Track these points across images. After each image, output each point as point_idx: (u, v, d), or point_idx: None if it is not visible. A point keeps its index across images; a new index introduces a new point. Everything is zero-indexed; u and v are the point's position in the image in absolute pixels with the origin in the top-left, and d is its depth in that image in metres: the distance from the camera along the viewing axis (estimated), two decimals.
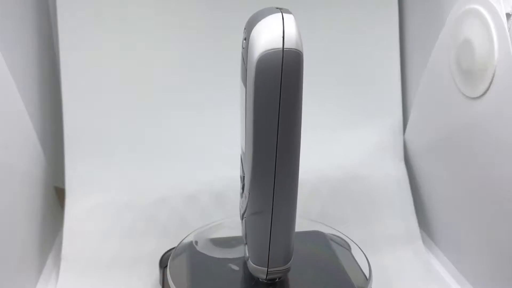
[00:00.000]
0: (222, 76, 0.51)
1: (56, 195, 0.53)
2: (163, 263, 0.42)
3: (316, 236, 0.43)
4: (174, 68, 0.53)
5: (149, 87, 0.52)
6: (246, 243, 0.34)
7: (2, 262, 0.36)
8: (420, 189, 0.52)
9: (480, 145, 0.39)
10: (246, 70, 0.28)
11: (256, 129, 0.28)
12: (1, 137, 0.37)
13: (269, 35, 0.27)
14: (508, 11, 0.35)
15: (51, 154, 0.51)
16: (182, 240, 0.41)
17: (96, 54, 0.51)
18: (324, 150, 0.52)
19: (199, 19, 0.53)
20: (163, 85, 0.53)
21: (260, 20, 0.27)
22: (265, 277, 0.33)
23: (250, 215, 0.32)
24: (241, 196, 0.34)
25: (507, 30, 0.35)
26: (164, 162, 0.52)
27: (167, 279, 0.38)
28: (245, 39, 0.28)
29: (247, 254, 0.34)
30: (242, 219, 0.34)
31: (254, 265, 0.33)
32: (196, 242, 0.39)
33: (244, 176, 0.32)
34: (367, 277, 0.38)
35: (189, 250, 0.39)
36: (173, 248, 0.41)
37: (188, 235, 0.42)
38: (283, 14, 0.27)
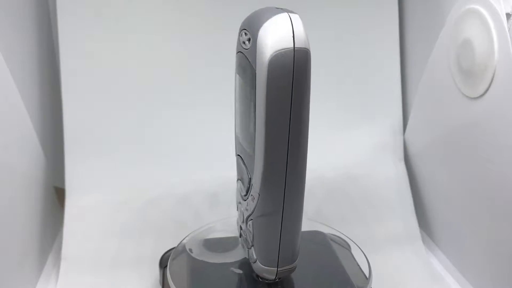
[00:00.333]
0: (222, 76, 0.51)
1: (56, 195, 0.53)
2: (163, 263, 0.42)
3: (316, 236, 0.43)
4: (174, 68, 0.53)
5: (149, 87, 0.53)
6: (253, 245, 0.33)
7: (2, 262, 0.36)
8: (420, 189, 0.52)
9: (480, 145, 0.39)
10: (252, 70, 0.28)
11: (268, 130, 0.28)
12: (1, 137, 0.37)
13: (279, 35, 0.27)
14: (508, 11, 0.35)
15: (51, 154, 0.51)
16: (182, 240, 0.41)
17: (96, 54, 0.51)
18: (324, 150, 0.52)
19: (199, 19, 0.53)
20: (163, 85, 0.53)
21: (266, 20, 0.27)
22: (274, 277, 0.33)
23: (259, 216, 0.32)
24: (242, 199, 0.33)
25: (507, 30, 0.35)
26: (164, 162, 0.52)
27: (167, 279, 0.38)
28: (248, 39, 0.28)
29: (254, 256, 0.33)
30: (245, 221, 0.33)
31: (263, 266, 0.33)
32: (191, 250, 0.39)
33: (250, 178, 0.31)
34: (367, 277, 0.38)
35: (186, 258, 0.39)
36: (173, 248, 0.41)
37: (188, 235, 0.42)
38: (289, 14, 0.27)
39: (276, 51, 0.27)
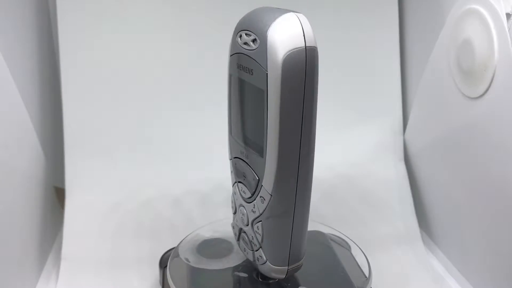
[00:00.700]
0: (223, 76, 0.51)
1: (56, 195, 0.53)
2: (163, 263, 0.42)
3: (316, 236, 0.43)
4: (174, 68, 0.53)
5: (149, 87, 0.53)
6: (261, 247, 0.33)
7: (2, 262, 0.36)
8: (420, 189, 0.52)
9: (480, 145, 0.39)
10: (261, 70, 0.28)
11: (282, 129, 0.29)
12: (1, 137, 0.37)
13: (290, 34, 0.27)
14: (508, 11, 0.35)
15: (51, 154, 0.51)
16: (182, 240, 0.41)
17: (96, 54, 0.51)
18: (324, 150, 0.52)
19: (199, 18, 0.53)
20: (164, 85, 0.53)
21: (274, 20, 0.27)
22: (284, 276, 0.34)
23: (270, 217, 0.32)
24: (245, 202, 0.33)
25: (507, 30, 0.35)
26: (164, 162, 0.52)
27: (167, 279, 0.38)
28: (253, 40, 0.28)
29: (264, 257, 0.33)
30: (250, 224, 0.33)
31: (274, 266, 0.33)
32: (187, 259, 0.38)
33: (258, 180, 0.31)
34: (367, 277, 0.38)
35: (184, 268, 0.38)
36: (173, 248, 0.41)
37: (188, 235, 0.42)
38: (296, 13, 0.28)
39: (289, 51, 0.27)
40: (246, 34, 0.29)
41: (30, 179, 0.44)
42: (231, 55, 0.31)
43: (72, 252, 0.45)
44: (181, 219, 0.49)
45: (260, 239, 0.33)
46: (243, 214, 0.34)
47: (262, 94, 0.28)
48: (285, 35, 0.27)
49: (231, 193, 0.36)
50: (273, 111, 0.28)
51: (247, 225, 0.34)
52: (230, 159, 0.34)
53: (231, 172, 0.35)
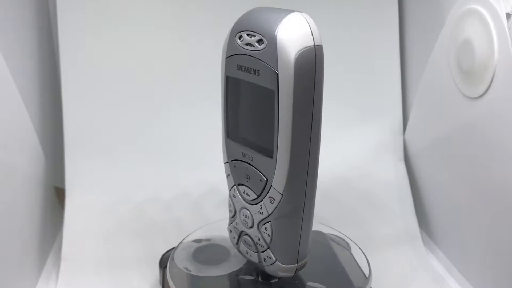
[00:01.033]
0: None
1: (56, 195, 0.53)
2: (163, 263, 0.42)
3: (316, 236, 0.43)
4: (174, 68, 0.53)
5: (149, 87, 0.53)
6: (269, 247, 0.33)
7: (2, 262, 0.36)
8: (420, 189, 0.52)
9: (480, 145, 0.39)
10: (270, 71, 0.28)
11: (294, 128, 0.29)
12: (1, 137, 0.37)
13: (300, 33, 0.28)
14: (508, 11, 0.35)
15: (51, 154, 0.51)
16: (182, 240, 0.41)
17: (96, 54, 0.51)
18: (324, 150, 0.52)
19: (199, 18, 0.53)
20: (164, 85, 0.53)
21: (281, 20, 0.27)
22: (293, 274, 0.34)
23: (280, 217, 0.32)
24: (249, 204, 0.33)
25: (507, 30, 0.35)
26: (164, 162, 0.52)
27: (167, 279, 0.38)
28: (258, 41, 0.28)
29: (273, 257, 0.33)
30: (256, 226, 0.33)
31: (284, 265, 0.33)
32: (187, 268, 0.38)
33: (266, 180, 0.31)
34: (367, 277, 0.38)
35: (185, 278, 0.37)
36: (173, 248, 0.41)
37: (188, 235, 0.42)
38: (301, 13, 0.28)
39: (300, 50, 0.27)
40: (248, 35, 0.29)
41: (30, 179, 0.44)
42: (227, 57, 0.31)
43: (72, 252, 0.45)
44: (182, 219, 0.49)
45: (268, 240, 0.33)
46: (246, 217, 0.34)
47: (271, 95, 0.28)
48: (294, 34, 0.27)
49: (228, 196, 0.35)
50: (285, 111, 0.28)
51: (251, 227, 0.34)
52: (226, 162, 0.34)
53: (228, 175, 0.34)
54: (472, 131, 0.40)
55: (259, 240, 0.33)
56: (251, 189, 0.32)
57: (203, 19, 0.52)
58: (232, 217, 0.35)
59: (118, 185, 0.50)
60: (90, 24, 0.51)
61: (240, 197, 0.34)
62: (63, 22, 0.50)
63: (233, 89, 0.32)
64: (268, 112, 0.29)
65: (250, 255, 0.35)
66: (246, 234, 0.35)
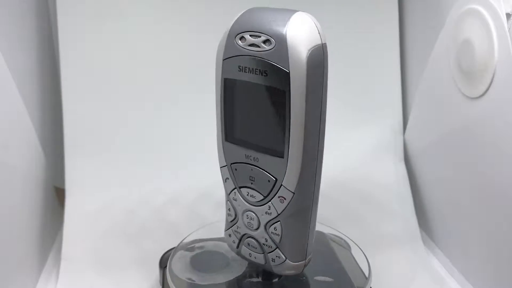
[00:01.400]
0: None
1: (56, 195, 0.53)
2: (163, 263, 0.42)
3: (316, 236, 0.42)
4: (174, 68, 0.53)
5: (149, 87, 0.53)
6: (277, 247, 0.33)
7: (2, 262, 0.36)
8: (420, 189, 0.52)
9: (480, 145, 0.39)
10: (279, 70, 0.28)
11: (307, 126, 0.29)
12: (1, 137, 0.37)
13: (309, 32, 0.28)
14: (508, 11, 0.35)
15: (51, 154, 0.51)
16: (182, 240, 0.41)
17: (96, 54, 0.51)
18: (324, 150, 0.52)
19: (200, 18, 0.53)
20: (164, 85, 0.53)
21: (288, 20, 0.28)
22: (301, 270, 0.34)
23: (290, 215, 0.32)
24: (255, 206, 0.33)
25: (507, 30, 0.35)
26: (164, 162, 0.52)
27: (167, 279, 0.38)
28: (264, 41, 0.28)
29: (283, 256, 0.33)
30: (264, 227, 0.33)
31: (293, 263, 0.33)
32: (191, 279, 0.37)
33: (276, 180, 0.31)
34: (367, 277, 0.38)
35: None
36: (173, 248, 0.41)
37: (188, 235, 0.42)
38: (304, 12, 0.29)
39: (311, 48, 0.28)
40: (251, 35, 0.29)
41: (30, 179, 0.44)
42: (225, 59, 0.30)
43: (72, 252, 0.45)
44: (182, 219, 0.49)
45: (278, 240, 0.33)
46: (251, 219, 0.33)
47: (281, 95, 0.28)
48: (304, 33, 0.28)
49: (226, 201, 0.35)
50: (297, 110, 0.28)
51: (257, 229, 0.33)
52: (224, 166, 0.33)
53: (226, 179, 0.34)
54: (472, 131, 0.40)
55: (266, 241, 0.33)
56: (256, 190, 0.32)
57: (203, 19, 0.52)
58: (232, 221, 0.35)
59: (118, 185, 0.50)
60: (90, 24, 0.51)
61: (243, 200, 0.33)
62: (63, 22, 0.50)
63: (233, 92, 0.31)
64: (277, 112, 0.29)
65: (255, 257, 0.34)
66: (250, 237, 0.34)
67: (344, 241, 0.43)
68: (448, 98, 0.43)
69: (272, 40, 0.28)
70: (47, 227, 0.48)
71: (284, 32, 0.27)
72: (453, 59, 0.42)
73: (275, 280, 0.36)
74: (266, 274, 0.36)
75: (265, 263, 0.34)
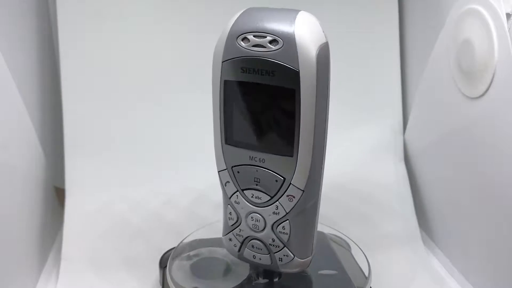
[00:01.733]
0: None
1: (56, 195, 0.53)
2: (163, 263, 0.42)
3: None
4: (174, 68, 0.53)
5: (149, 87, 0.53)
6: (285, 246, 0.33)
7: (2, 262, 0.36)
8: (420, 189, 0.52)
9: (480, 145, 0.39)
10: (287, 70, 0.28)
11: (317, 123, 0.29)
12: (1, 137, 0.37)
13: (315, 31, 0.28)
14: (508, 11, 0.35)
15: (51, 154, 0.51)
16: (183, 240, 0.41)
17: (96, 54, 0.51)
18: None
19: (200, 18, 0.53)
20: (164, 85, 0.53)
21: (294, 20, 0.28)
22: (307, 266, 0.34)
23: (299, 213, 0.32)
24: (261, 207, 0.32)
25: (507, 30, 0.35)
26: (164, 162, 0.52)
27: (167, 279, 0.38)
28: (271, 41, 0.28)
29: (291, 254, 0.33)
30: (271, 227, 0.33)
31: (301, 260, 0.33)
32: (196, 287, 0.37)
33: (284, 180, 0.31)
34: (367, 277, 0.38)
35: None
36: (173, 248, 0.41)
37: (188, 236, 0.42)
38: (305, 12, 0.29)
39: (318, 47, 0.28)
40: (256, 36, 0.28)
41: (30, 179, 0.44)
42: (224, 61, 0.30)
43: (72, 252, 0.45)
44: (182, 219, 0.49)
45: (286, 238, 0.33)
46: (256, 221, 0.33)
47: (290, 94, 0.28)
48: (311, 32, 0.28)
49: (227, 205, 0.34)
50: (307, 108, 0.28)
51: (263, 230, 0.33)
52: (224, 170, 0.33)
53: (226, 183, 0.33)
54: (472, 131, 0.40)
55: (273, 241, 0.33)
56: (262, 191, 0.32)
57: (203, 19, 0.52)
58: (233, 224, 0.34)
59: (118, 185, 0.50)
60: (90, 24, 0.51)
61: (246, 202, 0.33)
62: (63, 22, 0.50)
63: (235, 94, 0.31)
64: (285, 111, 0.29)
65: (260, 259, 0.34)
66: (254, 239, 0.34)
67: (344, 241, 0.43)
68: (448, 98, 0.43)
69: (280, 40, 0.28)
70: (47, 227, 0.48)
71: (292, 32, 0.28)
72: (453, 59, 0.42)
73: (275, 280, 0.36)
74: (267, 274, 0.36)
75: (271, 263, 0.34)
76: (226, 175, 0.33)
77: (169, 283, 0.37)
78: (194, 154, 0.52)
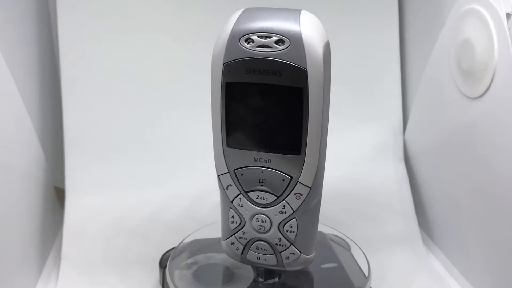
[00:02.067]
0: None
1: (56, 195, 0.53)
2: (163, 263, 0.42)
3: None
4: (174, 68, 0.53)
5: (149, 88, 0.52)
6: (292, 244, 0.33)
7: (2, 262, 0.36)
8: (420, 189, 0.52)
9: (480, 145, 0.39)
10: (294, 69, 0.28)
11: (324, 120, 0.30)
12: (1, 137, 0.37)
13: (318, 30, 0.29)
14: (508, 11, 0.35)
15: (51, 154, 0.51)
16: (183, 240, 0.41)
17: (96, 54, 0.51)
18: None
19: (200, 19, 0.53)
20: (164, 85, 0.53)
21: (298, 19, 0.28)
22: (312, 262, 0.34)
23: (306, 211, 0.32)
24: (266, 207, 0.32)
25: (507, 30, 0.35)
26: (164, 162, 0.52)
27: (167, 279, 0.38)
28: (277, 41, 0.28)
29: (298, 252, 0.33)
30: (277, 227, 0.33)
31: (307, 256, 0.33)
32: None
33: (291, 179, 0.31)
34: (367, 277, 0.38)
35: None
36: (173, 248, 0.41)
37: (187, 236, 0.42)
38: (307, 11, 0.29)
39: (324, 45, 0.28)
40: (260, 36, 0.28)
41: (30, 179, 0.44)
42: (226, 63, 0.29)
43: (72, 252, 0.45)
44: (182, 219, 0.49)
45: (293, 237, 0.33)
46: (262, 222, 0.33)
47: (298, 93, 0.28)
48: (316, 31, 0.28)
49: (229, 208, 0.34)
50: (315, 106, 0.29)
51: (268, 230, 0.33)
52: (224, 174, 0.32)
53: (228, 186, 0.33)
54: (472, 131, 0.40)
55: (280, 240, 0.33)
56: (268, 192, 0.32)
57: (204, 20, 0.52)
58: (236, 228, 0.34)
59: (118, 185, 0.50)
60: (90, 24, 0.51)
61: (251, 204, 0.33)
62: (63, 23, 0.50)
63: (238, 95, 0.30)
64: (292, 110, 0.29)
65: (265, 259, 0.34)
66: (259, 240, 0.34)
67: (344, 241, 0.43)
68: (448, 98, 0.43)
69: (286, 39, 0.28)
70: (47, 227, 0.48)
71: (298, 31, 0.28)
72: (453, 59, 0.42)
73: (276, 279, 0.36)
74: (267, 274, 0.36)
75: (277, 263, 0.34)
76: (228, 179, 0.33)
77: (169, 282, 0.37)
78: (194, 154, 0.52)
